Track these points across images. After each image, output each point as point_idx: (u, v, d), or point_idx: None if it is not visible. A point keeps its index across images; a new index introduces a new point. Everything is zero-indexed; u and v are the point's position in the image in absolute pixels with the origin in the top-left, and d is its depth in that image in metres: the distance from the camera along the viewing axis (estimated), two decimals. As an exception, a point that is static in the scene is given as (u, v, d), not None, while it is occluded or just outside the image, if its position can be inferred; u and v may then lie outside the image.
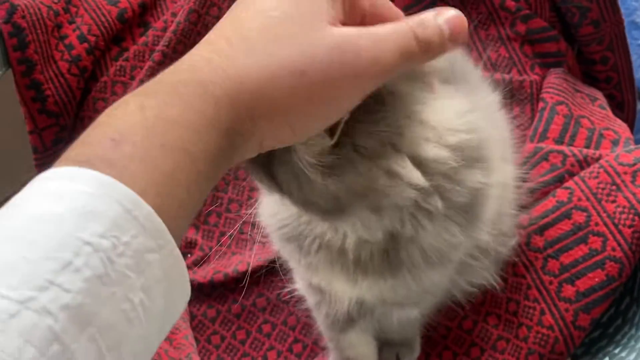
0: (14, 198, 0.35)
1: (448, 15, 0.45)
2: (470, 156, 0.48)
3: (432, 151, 0.47)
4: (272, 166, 0.47)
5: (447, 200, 0.48)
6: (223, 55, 0.42)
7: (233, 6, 0.46)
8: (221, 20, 0.45)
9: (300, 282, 0.66)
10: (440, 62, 0.54)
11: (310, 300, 0.67)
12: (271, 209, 0.58)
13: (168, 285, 0.38)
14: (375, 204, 0.47)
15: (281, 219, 0.56)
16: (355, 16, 0.45)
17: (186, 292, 0.40)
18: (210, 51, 0.42)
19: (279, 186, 0.47)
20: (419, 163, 0.47)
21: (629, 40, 0.89)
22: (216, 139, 0.40)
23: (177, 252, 0.38)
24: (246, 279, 0.78)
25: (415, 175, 0.46)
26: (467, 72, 0.63)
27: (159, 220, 0.36)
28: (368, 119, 0.45)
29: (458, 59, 0.64)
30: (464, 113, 0.49)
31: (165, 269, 0.37)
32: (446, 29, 0.45)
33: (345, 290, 0.58)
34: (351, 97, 0.43)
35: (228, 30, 0.44)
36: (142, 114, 0.38)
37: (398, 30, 0.44)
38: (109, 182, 0.35)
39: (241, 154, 0.43)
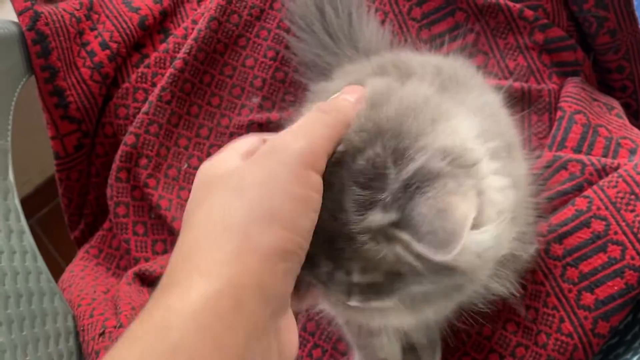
0: None
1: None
2: None
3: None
4: None
5: None
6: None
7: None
8: None
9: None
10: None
11: (341, 320, 0.68)
12: None
13: None
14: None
15: None
16: None
17: None
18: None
19: None
20: None
21: (643, 49, 0.89)
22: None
23: None
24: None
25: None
26: (464, 77, 0.65)
27: None
28: None
29: (457, 66, 0.66)
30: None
31: None
32: None
33: (410, 322, 0.59)
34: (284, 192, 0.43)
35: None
36: None
37: (309, 116, 0.48)
38: None
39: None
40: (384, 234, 0.46)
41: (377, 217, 0.45)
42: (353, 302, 0.49)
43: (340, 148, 0.48)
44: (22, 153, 1.37)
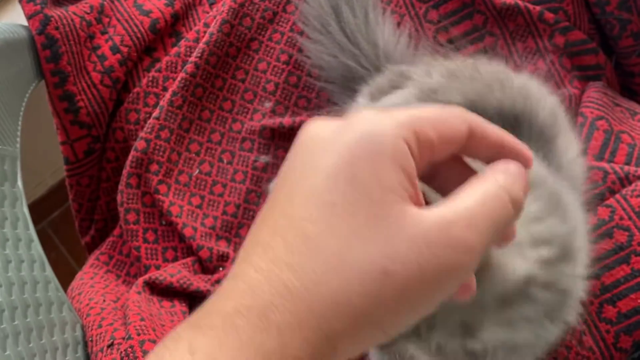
0: None
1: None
2: None
3: None
4: None
5: None
6: (282, 265, 0.35)
7: (277, 184, 0.38)
8: (267, 207, 0.38)
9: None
10: None
11: None
12: None
13: None
14: None
15: None
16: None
17: None
18: (267, 260, 0.35)
19: None
20: None
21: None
22: None
23: None
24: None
25: None
26: None
27: None
28: None
29: None
30: None
31: None
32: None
33: None
34: (447, 289, 0.37)
35: (281, 225, 0.36)
36: None
37: (488, 196, 0.37)
38: None
39: None
40: None
41: None
42: None
43: None
44: (35, 155, 1.37)
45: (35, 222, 1.69)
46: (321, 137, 0.38)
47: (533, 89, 0.63)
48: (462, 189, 0.38)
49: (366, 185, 0.35)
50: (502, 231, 0.38)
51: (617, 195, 0.71)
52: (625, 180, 0.73)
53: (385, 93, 0.67)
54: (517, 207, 0.38)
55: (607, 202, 0.71)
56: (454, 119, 0.39)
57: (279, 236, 0.35)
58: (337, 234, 0.34)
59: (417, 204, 0.37)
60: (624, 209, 0.69)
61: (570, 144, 0.62)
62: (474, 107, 0.58)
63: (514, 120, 0.58)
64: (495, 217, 0.37)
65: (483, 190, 0.38)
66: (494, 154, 0.41)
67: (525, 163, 0.41)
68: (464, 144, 0.39)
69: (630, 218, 0.68)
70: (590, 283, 0.66)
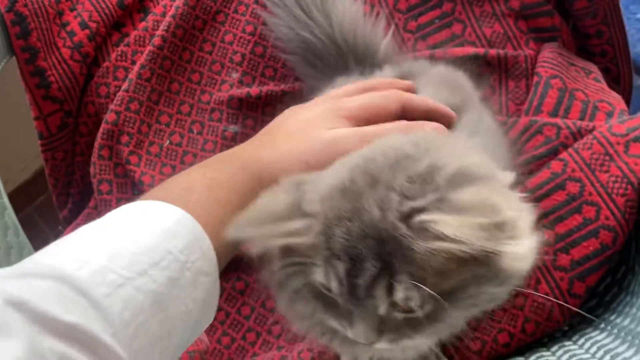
0: (127, 211, 0.51)
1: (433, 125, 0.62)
2: None
3: None
4: None
5: None
6: (257, 147, 0.65)
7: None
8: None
9: None
10: None
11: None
12: None
13: (204, 305, 0.51)
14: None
15: None
16: None
17: (212, 315, 0.55)
18: (252, 143, 0.67)
19: None
20: None
21: (626, 15, 0.88)
22: (249, 197, 0.52)
23: (218, 282, 0.53)
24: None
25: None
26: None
27: (213, 253, 0.52)
28: None
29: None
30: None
31: (208, 291, 0.51)
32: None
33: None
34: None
35: (271, 128, 0.68)
36: (203, 177, 0.58)
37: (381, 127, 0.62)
38: (186, 216, 0.51)
39: None
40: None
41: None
42: (382, 344, 0.49)
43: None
44: (18, 140, 1.38)
45: (22, 207, 1.68)
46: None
47: None
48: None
49: (323, 116, 0.66)
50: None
51: (570, 149, 0.73)
52: (578, 135, 0.74)
53: None
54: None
55: (560, 156, 0.73)
56: (385, 101, 0.65)
57: (264, 134, 0.68)
58: (293, 138, 0.64)
59: None
60: (575, 162, 0.71)
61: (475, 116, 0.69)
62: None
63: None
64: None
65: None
66: (425, 117, 0.64)
67: (449, 120, 0.65)
68: (399, 115, 0.65)
69: (581, 170, 0.70)
70: (544, 234, 0.69)
